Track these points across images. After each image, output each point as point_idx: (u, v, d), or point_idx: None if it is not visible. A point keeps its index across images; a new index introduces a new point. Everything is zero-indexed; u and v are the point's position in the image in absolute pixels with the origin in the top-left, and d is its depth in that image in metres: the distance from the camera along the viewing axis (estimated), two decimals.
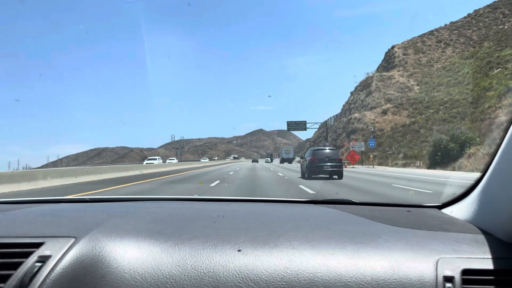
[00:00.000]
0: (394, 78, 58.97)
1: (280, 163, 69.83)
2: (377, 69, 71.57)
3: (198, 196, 2.37)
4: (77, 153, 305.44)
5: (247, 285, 0.92)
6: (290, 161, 73.47)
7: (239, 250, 1.01)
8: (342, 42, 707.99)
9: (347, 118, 58.59)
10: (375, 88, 57.71)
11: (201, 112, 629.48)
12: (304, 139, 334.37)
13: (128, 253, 1.01)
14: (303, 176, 19.16)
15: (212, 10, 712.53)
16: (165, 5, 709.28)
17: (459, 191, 1.40)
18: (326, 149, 19.37)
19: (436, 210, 1.53)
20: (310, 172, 18.11)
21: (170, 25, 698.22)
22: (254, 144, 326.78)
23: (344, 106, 73.26)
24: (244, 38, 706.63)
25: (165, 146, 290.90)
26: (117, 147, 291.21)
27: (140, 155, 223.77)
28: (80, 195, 9.48)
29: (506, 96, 29.15)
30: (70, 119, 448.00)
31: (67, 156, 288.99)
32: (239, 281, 0.92)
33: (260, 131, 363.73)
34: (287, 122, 61.00)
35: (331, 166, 17.86)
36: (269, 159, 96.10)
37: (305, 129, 60.60)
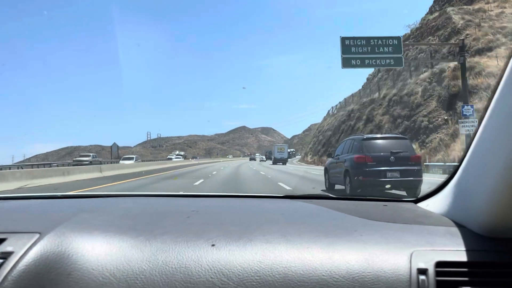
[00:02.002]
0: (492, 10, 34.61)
1: (273, 163, 58.24)
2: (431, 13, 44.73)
3: (170, 192, 1.96)
4: (47, 152, 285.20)
5: (219, 280, 0.92)
6: (284, 161, 61.02)
7: (213, 245, 1.01)
8: (322, 42, 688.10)
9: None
10: (464, 25, 33.37)
11: (182, 110, 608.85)
12: (289, 136, 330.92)
13: (96, 249, 0.99)
14: (329, 189, 10.81)
15: (193, 4, 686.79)
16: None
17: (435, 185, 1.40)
18: (389, 137, 9.77)
19: (411, 204, 1.52)
20: (358, 184, 8.84)
21: (147, 19, 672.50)
22: (237, 142, 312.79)
23: (370, 79, 58.22)
24: (225, 37, 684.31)
25: (142, 144, 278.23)
26: (90, 145, 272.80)
27: (113, 154, 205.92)
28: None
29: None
30: (39, 115, 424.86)
31: (36, 155, 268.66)
32: (212, 276, 0.92)
33: (243, 128, 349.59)
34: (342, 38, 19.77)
35: (401, 173, 8.67)
36: (264, 157, 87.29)
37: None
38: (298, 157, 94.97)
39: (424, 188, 8.31)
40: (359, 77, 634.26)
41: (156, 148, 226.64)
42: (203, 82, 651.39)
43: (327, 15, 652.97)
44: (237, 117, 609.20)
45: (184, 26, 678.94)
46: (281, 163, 59.67)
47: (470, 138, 1.10)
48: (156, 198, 1.87)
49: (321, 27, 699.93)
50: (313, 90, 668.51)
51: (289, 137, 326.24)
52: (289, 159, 63.40)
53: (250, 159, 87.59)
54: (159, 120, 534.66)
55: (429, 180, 10.19)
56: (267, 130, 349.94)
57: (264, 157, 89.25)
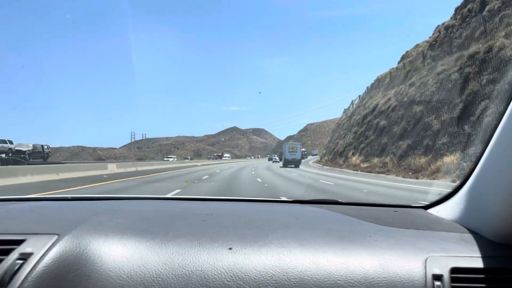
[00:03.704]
0: None
1: (283, 166, 47.41)
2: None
3: (184, 196, 2.10)
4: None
5: (236, 283, 0.92)
6: (297, 164, 49.22)
7: (230, 248, 1.01)
8: (314, 43, 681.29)
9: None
10: None
11: (171, 111, 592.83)
12: (283, 137, 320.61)
13: (113, 251, 0.99)
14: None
15: (178, 5, 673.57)
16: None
17: (445, 191, 1.40)
18: None
19: (422, 210, 1.53)
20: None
21: (138, 19, 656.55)
22: (227, 143, 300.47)
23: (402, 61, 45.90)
24: (215, 38, 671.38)
25: (128, 145, 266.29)
26: (72, 146, 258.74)
27: (93, 155, 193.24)
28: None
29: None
30: (19, 114, 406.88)
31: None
32: (228, 279, 0.92)
33: (234, 129, 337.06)
34: None
35: None
36: (277, 157, 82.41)
37: None
38: (311, 158, 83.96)
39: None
40: (359, 77, 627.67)
41: (141, 149, 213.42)
42: (193, 83, 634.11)
43: (319, 18, 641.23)
44: (228, 119, 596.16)
45: (173, 27, 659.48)
46: (292, 166, 48.37)
47: (483, 144, 1.11)
48: (167, 201, 1.92)
49: (313, 29, 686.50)
50: (305, 91, 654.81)
51: (282, 138, 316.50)
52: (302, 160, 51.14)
53: (269, 159, 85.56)
54: (147, 121, 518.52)
55: None
56: (259, 131, 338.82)
57: (277, 157, 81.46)
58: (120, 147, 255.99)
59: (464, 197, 1.20)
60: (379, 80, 40.71)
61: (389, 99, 31.27)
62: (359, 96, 49.21)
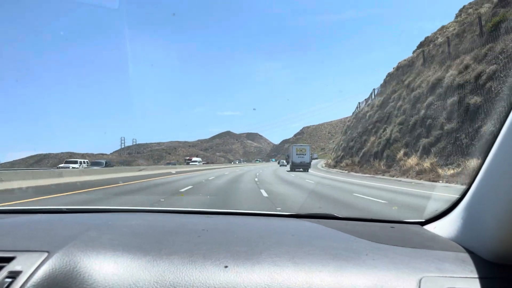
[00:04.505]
0: None
1: (291, 170, 42.18)
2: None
3: (179, 208, 1.96)
4: (13, 160, 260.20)
5: None
6: (305, 168, 43.20)
7: (226, 267, 1.00)
8: (307, 48, 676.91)
9: None
10: None
11: (164, 117, 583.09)
12: (278, 141, 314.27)
13: (104, 269, 0.98)
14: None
15: (170, 10, 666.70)
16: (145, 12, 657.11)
17: (442, 207, 1.36)
18: None
19: (418, 226, 1.51)
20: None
21: (132, 25, 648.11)
22: (221, 148, 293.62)
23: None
24: (208, 44, 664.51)
25: (119, 151, 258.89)
26: (62, 153, 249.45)
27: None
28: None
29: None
30: (10, 123, 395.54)
31: (1, 163, 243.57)
32: None
33: (228, 133, 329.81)
34: None
35: None
36: (284, 162, 77.34)
37: None
38: (314, 161, 77.17)
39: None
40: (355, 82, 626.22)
41: (131, 154, 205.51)
42: (187, 88, 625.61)
43: (311, 23, 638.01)
44: (222, 124, 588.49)
45: (168, 35, 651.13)
46: (301, 170, 42.13)
47: (480, 159, 1.07)
48: (161, 215, 1.87)
49: (305, 34, 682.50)
50: (300, 95, 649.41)
51: (277, 142, 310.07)
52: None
53: (279, 164, 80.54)
54: (139, 126, 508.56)
55: None
56: (253, 136, 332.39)
57: (284, 161, 75.72)
58: (110, 153, 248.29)
59: (460, 214, 1.18)
60: (412, 60, 33.15)
61: (467, 66, 20.69)
62: (387, 76, 41.34)
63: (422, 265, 1.01)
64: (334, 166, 46.82)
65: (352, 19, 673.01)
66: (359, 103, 53.98)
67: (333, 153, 63.68)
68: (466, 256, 1.06)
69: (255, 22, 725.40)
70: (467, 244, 1.12)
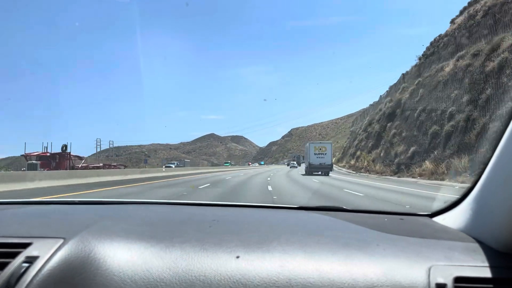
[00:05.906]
0: None
1: (306, 174, 33.69)
2: None
3: (189, 201, 1.99)
4: None
5: None
6: (326, 171, 34.09)
7: (238, 257, 1.01)
8: (292, 53, 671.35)
9: None
10: None
11: (145, 119, 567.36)
12: (264, 144, 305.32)
13: (118, 255, 1.01)
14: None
15: (151, 12, 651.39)
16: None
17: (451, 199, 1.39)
18: None
19: (427, 218, 1.53)
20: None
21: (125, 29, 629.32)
22: (204, 151, 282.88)
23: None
24: (191, 47, 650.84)
25: (98, 153, 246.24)
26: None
27: None
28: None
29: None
30: None
31: None
32: (231, 285, 0.93)
33: (212, 135, 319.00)
34: None
35: None
36: (295, 163, 72.16)
37: None
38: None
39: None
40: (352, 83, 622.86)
41: (109, 157, 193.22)
42: (169, 91, 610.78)
43: (297, 27, 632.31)
44: (206, 128, 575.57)
45: (148, 33, 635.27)
46: (320, 173, 33.11)
47: (489, 152, 1.09)
48: (172, 206, 1.88)
49: (291, 38, 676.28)
50: (284, 99, 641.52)
51: (263, 145, 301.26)
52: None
53: (289, 166, 74.45)
54: (118, 129, 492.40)
55: None
56: (238, 139, 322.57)
57: (295, 162, 67.16)
58: (89, 156, 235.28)
59: (470, 206, 1.19)
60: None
61: None
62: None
63: (431, 254, 1.02)
64: (356, 170, 37.72)
65: (339, 23, 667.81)
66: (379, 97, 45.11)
67: (343, 154, 54.38)
68: (475, 246, 1.07)
69: (239, 26, 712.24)
70: (476, 235, 1.12)
